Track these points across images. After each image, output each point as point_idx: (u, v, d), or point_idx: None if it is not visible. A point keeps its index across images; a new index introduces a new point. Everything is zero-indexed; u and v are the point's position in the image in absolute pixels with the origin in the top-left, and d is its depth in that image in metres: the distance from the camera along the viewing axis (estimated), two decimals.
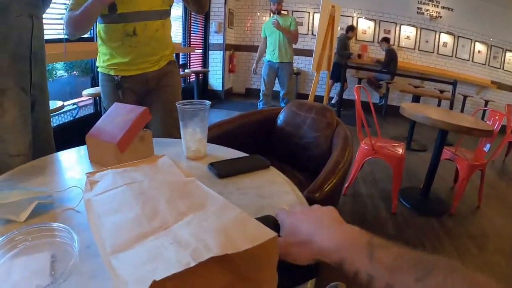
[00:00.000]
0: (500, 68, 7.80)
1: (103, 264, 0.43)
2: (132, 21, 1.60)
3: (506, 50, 7.71)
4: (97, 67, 1.76)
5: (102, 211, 0.54)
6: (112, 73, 1.70)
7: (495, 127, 2.86)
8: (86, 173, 0.69)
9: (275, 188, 0.87)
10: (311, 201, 1.22)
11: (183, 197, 0.55)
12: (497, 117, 3.06)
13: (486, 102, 7.42)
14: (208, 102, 1.02)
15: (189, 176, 0.65)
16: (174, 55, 1.92)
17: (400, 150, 2.76)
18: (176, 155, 1.04)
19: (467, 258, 2.27)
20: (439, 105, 6.59)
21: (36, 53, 1.10)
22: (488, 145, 3.02)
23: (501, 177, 4.48)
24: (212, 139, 1.32)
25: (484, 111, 6.87)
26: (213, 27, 6.72)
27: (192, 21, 6.10)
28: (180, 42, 5.77)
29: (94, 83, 3.62)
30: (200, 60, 6.80)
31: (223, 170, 0.92)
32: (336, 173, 1.39)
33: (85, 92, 3.22)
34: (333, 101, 7.02)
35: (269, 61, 4.94)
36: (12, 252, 0.48)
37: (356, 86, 2.83)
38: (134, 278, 0.36)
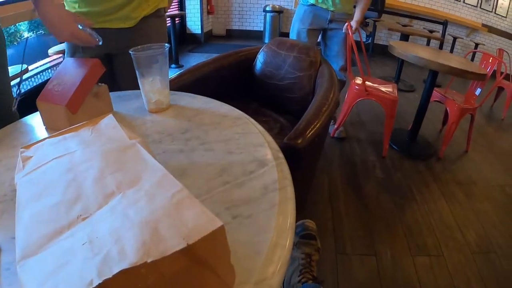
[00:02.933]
0: (492, 12, 7.46)
1: None
2: None
3: None
4: None
5: (24, 198, 0.43)
6: None
7: (487, 71, 2.74)
8: (21, 148, 0.56)
9: (246, 141, 0.75)
10: (292, 149, 1.12)
11: (117, 169, 0.43)
12: (490, 61, 2.94)
13: (476, 45, 7.17)
14: (167, 45, 0.87)
15: (133, 138, 0.52)
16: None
17: (393, 91, 2.63)
18: (138, 108, 0.91)
19: (454, 205, 2.25)
20: (428, 45, 6.37)
21: None
22: (479, 89, 2.94)
23: (488, 122, 4.44)
24: (185, 87, 1.18)
25: (474, 54, 6.72)
26: None
27: None
28: None
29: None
30: (176, 2, 6.31)
31: None
32: (320, 117, 1.28)
33: (51, 50, 2.87)
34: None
35: (313, 4, 2.56)
36: None
37: (347, 23, 2.62)
38: None
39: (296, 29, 2.62)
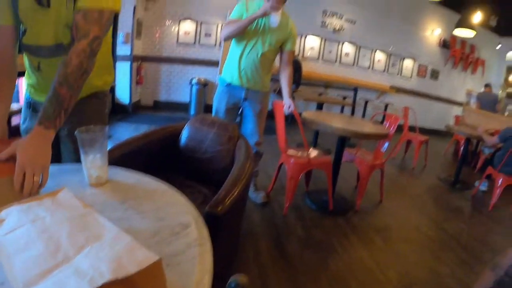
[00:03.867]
0: (398, 74, 9.05)
1: None
2: (35, 55, 1.34)
3: (403, 58, 8.98)
4: None
5: (12, 250, 0.59)
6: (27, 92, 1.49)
7: (391, 129, 3.28)
8: None
9: (174, 209, 0.96)
10: (214, 216, 1.32)
11: (82, 229, 0.63)
12: (393, 119, 3.48)
13: (386, 105, 8.43)
14: (106, 127, 1.08)
15: (87, 207, 0.72)
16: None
17: (321, 155, 3.03)
18: (79, 182, 1.07)
19: (374, 250, 2.55)
20: (342, 110, 7.24)
21: None
22: (386, 144, 3.42)
23: (401, 172, 5.18)
24: (116, 161, 1.35)
25: (385, 114, 7.80)
26: (120, 37, 6.51)
27: None
28: None
29: None
30: None
31: None
32: (237, 186, 1.49)
33: None
34: None
35: (228, 84, 2.81)
36: None
37: (275, 100, 2.95)
38: None
39: (215, 108, 2.87)
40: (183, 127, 2.12)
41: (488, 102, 7.35)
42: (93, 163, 1.04)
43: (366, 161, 3.20)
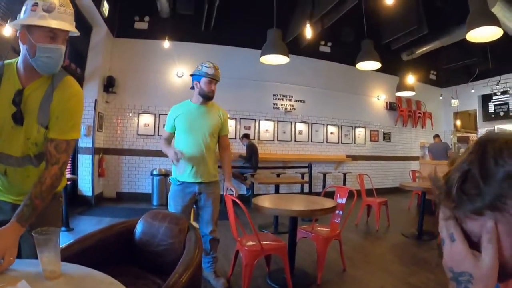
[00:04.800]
0: (352, 143, 9.65)
1: None
2: (3, 163, 1.56)
3: (355, 127, 9.68)
4: None
5: None
6: None
7: (342, 201, 3.56)
8: None
9: None
10: None
11: None
12: (342, 190, 3.72)
13: (345, 175, 8.86)
14: (59, 229, 1.31)
15: None
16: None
17: (280, 242, 3.14)
18: (36, 275, 1.22)
19: None
20: (302, 187, 7.49)
21: None
22: (340, 212, 3.60)
23: (365, 236, 5.31)
24: (74, 256, 1.53)
25: (345, 179, 8.53)
26: (82, 130, 6.77)
27: None
28: None
29: None
30: (69, 165, 6.67)
31: None
32: (186, 273, 1.68)
33: None
34: None
35: (181, 182, 3.02)
36: None
37: (227, 194, 3.04)
38: None
39: (172, 206, 3.03)
40: (137, 223, 2.30)
41: (439, 151, 8.01)
42: (48, 259, 1.23)
43: (321, 235, 3.37)
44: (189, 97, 3.15)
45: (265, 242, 3.03)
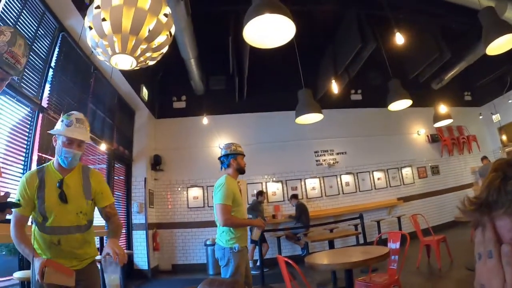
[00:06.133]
0: (401, 185, 9.43)
1: None
2: (58, 234, 2.13)
3: (401, 167, 9.50)
4: None
5: None
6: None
7: (395, 246, 3.59)
8: None
9: None
10: None
11: None
12: (393, 235, 3.75)
13: (399, 218, 8.56)
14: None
15: None
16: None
17: None
18: None
19: None
20: (357, 239, 7.36)
21: None
22: (395, 257, 3.59)
23: (428, 278, 5.16)
24: None
25: (400, 224, 8.23)
26: (134, 208, 7.21)
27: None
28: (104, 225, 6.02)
29: (22, 265, 3.67)
30: (124, 241, 7.02)
31: None
32: None
33: (15, 274, 3.39)
34: (258, 264, 7.11)
35: (244, 246, 3.25)
36: None
37: (279, 256, 3.20)
38: None
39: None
40: None
41: None
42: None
43: (379, 284, 3.31)
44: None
45: None
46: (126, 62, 2.50)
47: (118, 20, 2.20)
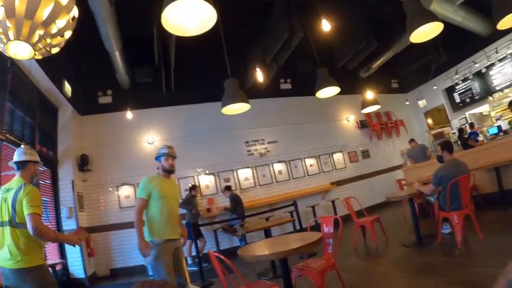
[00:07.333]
0: (333, 170, 9.91)
1: None
2: None
3: (332, 153, 9.98)
4: None
5: None
6: None
7: (329, 230, 3.67)
8: None
9: None
10: None
11: None
12: (326, 220, 3.80)
13: (333, 202, 8.91)
14: None
15: None
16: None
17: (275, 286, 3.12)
18: None
19: None
20: (294, 226, 7.47)
21: None
22: (330, 240, 3.65)
23: (366, 258, 5.34)
24: None
25: (335, 208, 8.57)
26: (64, 213, 6.78)
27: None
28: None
29: None
30: (56, 251, 6.59)
31: None
32: None
33: None
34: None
35: (167, 239, 3.45)
36: None
37: (211, 251, 3.11)
38: None
39: (161, 270, 3.34)
40: None
41: (418, 154, 8.16)
42: None
43: (315, 269, 3.33)
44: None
45: None
46: (24, 50, 2.28)
47: (11, 4, 2.02)
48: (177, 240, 3.62)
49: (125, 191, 7.83)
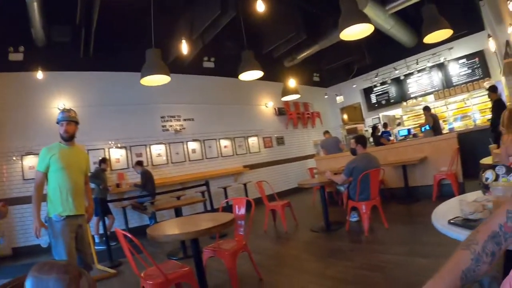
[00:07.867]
0: (247, 153, 10.23)
1: None
2: None
3: (248, 136, 10.26)
4: None
5: None
6: None
7: (241, 212, 3.78)
8: None
9: None
10: None
11: None
12: (238, 201, 3.89)
13: (245, 185, 9.26)
14: None
15: None
16: None
17: (185, 268, 3.04)
18: None
19: None
20: (205, 206, 7.49)
21: None
22: (241, 222, 3.72)
23: (276, 241, 5.53)
24: None
25: (246, 191, 8.92)
26: None
27: None
28: None
29: None
30: None
31: None
32: None
33: None
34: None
35: (67, 216, 3.19)
36: None
37: (118, 229, 2.98)
38: None
39: (60, 247, 3.12)
40: (26, 280, 2.39)
41: (331, 146, 8.75)
42: None
43: (226, 250, 3.38)
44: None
45: (170, 272, 2.95)
46: None
47: None
48: (81, 216, 3.33)
49: (30, 161, 7.03)
